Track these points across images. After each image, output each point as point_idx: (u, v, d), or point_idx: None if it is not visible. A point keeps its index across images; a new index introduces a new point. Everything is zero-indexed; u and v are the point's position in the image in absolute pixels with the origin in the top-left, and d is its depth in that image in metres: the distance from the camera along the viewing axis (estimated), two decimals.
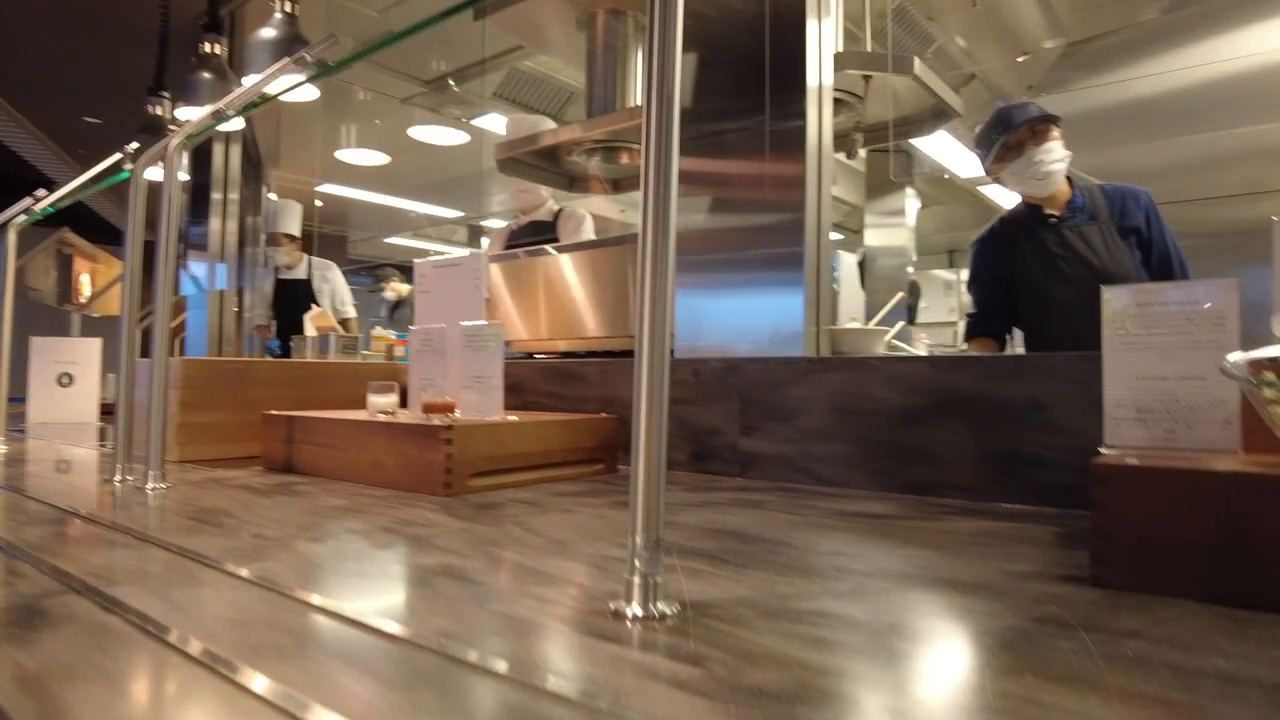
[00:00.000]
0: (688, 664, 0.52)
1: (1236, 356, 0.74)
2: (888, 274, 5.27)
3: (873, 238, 5.46)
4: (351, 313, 4.57)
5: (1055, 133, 2.21)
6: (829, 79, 1.63)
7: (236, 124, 2.91)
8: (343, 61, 1.08)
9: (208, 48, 2.45)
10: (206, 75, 2.42)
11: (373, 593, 0.71)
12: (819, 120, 1.59)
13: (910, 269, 5.40)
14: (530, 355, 2.28)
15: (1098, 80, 3.69)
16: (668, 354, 0.63)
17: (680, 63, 0.64)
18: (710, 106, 1.69)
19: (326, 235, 7.20)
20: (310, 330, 3.24)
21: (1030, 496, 1.16)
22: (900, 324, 2.50)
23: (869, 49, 2.99)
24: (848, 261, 5.24)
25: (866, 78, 2.07)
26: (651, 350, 0.62)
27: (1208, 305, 0.81)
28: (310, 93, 2.56)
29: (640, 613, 0.61)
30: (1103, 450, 0.82)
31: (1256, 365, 0.74)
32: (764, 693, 0.47)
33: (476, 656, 0.53)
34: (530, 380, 1.88)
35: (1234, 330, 0.80)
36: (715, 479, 1.47)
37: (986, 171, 2.35)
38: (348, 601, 0.66)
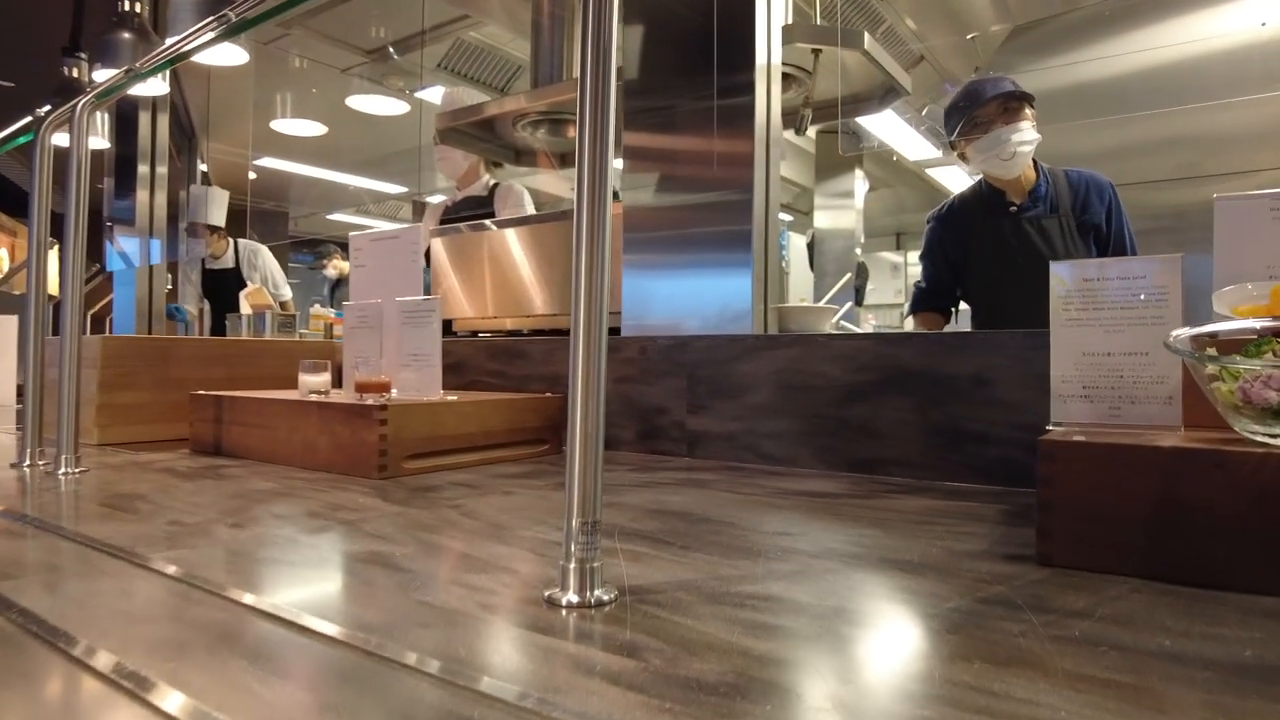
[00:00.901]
0: (623, 655, 0.49)
1: (1181, 332, 0.73)
2: (836, 255, 5.30)
3: (822, 220, 5.48)
4: (287, 294, 4.39)
5: (1028, 112, 2.11)
6: (778, 57, 1.60)
7: (159, 87, 2.75)
8: (270, 11, 1.01)
9: (128, 5, 2.30)
10: (126, 35, 2.27)
11: (292, 583, 0.67)
12: (768, 97, 1.56)
13: (858, 251, 5.44)
14: (475, 334, 2.22)
15: (1042, 64, 3.74)
16: (604, 330, 0.59)
17: (617, 26, 0.61)
18: (658, 81, 1.64)
19: (266, 211, 6.95)
20: (245, 308, 3.12)
21: (975, 474, 1.16)
22: (848, 305, 2.49)
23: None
24: (797, 243, 5.27)
25: (816, 52, 2.04)
26: (588, 327, 0.58)
27: (1151, 281, 0.81)
28: (239, 56, 2.42)
29: (576, 600, 0.57)
30: (1050, 428, 0.82)
31: (1199, 340, 0.73)
32: (702, 686, 0.45)
33: (396, 652, 0.49)
34: (472, 359, 1.83)
35: (1177, 306, 0.80)
36: (662, 459, 1.44)
37: (951, 146, 2.24)
38: (264, 594, 0.61)
